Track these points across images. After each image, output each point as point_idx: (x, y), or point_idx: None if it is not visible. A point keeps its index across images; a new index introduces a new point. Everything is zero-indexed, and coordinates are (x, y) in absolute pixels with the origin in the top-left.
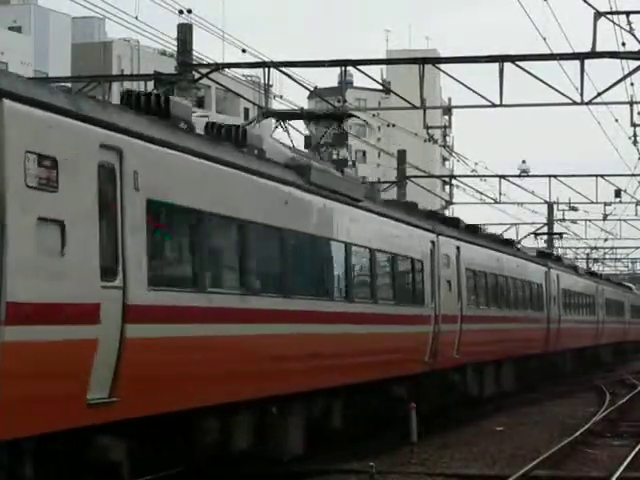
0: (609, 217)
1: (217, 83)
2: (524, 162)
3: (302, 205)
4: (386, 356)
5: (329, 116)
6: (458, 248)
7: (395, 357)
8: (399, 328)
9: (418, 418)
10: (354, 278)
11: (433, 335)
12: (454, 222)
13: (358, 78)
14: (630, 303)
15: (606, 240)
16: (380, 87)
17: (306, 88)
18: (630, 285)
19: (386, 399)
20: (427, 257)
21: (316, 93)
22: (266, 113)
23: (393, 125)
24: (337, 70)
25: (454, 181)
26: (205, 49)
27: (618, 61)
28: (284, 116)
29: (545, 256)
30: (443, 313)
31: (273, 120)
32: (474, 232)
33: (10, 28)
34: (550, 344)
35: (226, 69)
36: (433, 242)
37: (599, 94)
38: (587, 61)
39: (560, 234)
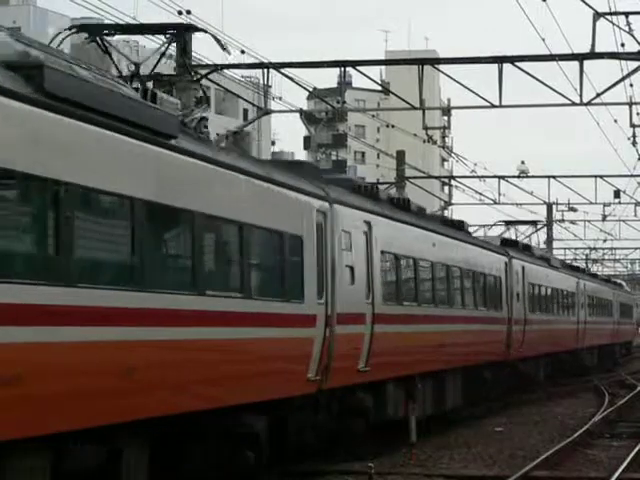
0: (608, 218)
1: (216, 84)
2: (523, 163)
3: None
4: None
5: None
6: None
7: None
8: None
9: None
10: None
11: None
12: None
13: (357, 79)
14: (619, 302)
15: (605, 241)
16: (379, 88)
17: (305, 89)
18: (621, 282)
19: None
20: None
21: (315, 94)
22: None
23: (392, 126)
24: (336, 71)
25: (453, 182)
26: (204, 50)
27: (617, 62)
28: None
29: (509, 244)
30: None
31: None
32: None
33: (9, 29)
34: (513, 349)
35: (225, 70)
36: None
37: (598, 95)
38: (586, 62)
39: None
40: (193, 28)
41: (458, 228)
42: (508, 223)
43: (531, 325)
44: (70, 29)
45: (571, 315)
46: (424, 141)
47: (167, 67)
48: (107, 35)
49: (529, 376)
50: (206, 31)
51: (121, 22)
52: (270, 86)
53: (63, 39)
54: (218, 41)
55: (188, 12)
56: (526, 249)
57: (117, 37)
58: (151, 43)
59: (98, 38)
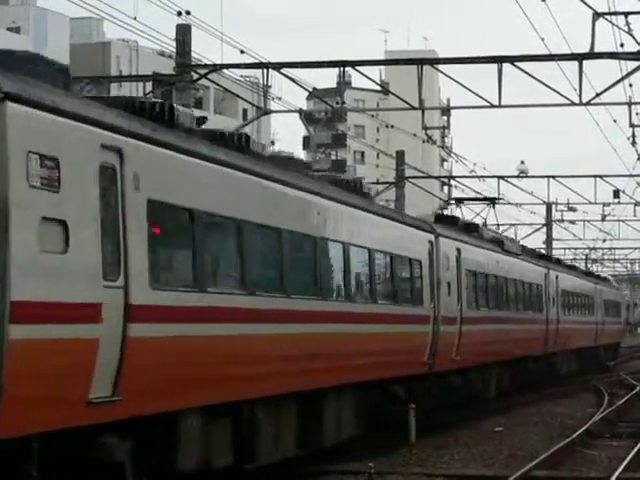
0: (608, 218)
1: (215, 84)
2: (523, 163)
3: None
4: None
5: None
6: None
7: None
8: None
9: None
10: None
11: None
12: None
13: (357, 79)
14: (603, 298)
15: (605, 241)
16: (379, 88)
17: (305, 89)
18: (607, 277)
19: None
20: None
21: (315, 94)
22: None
23: (392, 126)
24: (335, 71)
25: (453, 181)
26: (204, 50)
27: (617, 62)
28: None
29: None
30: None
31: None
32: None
33: (9, 29)
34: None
35: (225, 70)
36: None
37: (597, 95)
38: (585, 62)
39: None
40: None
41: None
42: (459, 201)
43: (469, 325)
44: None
45: (537, 313)
46: (423, 141)
47: (166, 67)
48: None
49: (471, 391)
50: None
51: (121, 22)
52: (270, 86)
53: None
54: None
55: (187, 13)
56: (471, 229)
57: (116, 37)
58: (150, 43)
59: None
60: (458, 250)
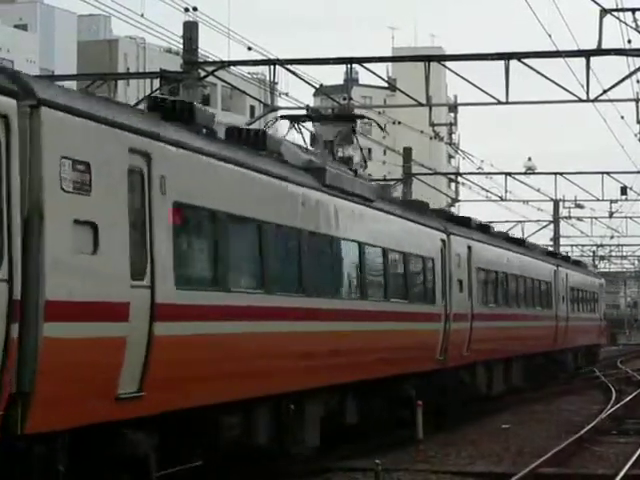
0: (615, 214)
1: (223, 81)
2: (530, 159)
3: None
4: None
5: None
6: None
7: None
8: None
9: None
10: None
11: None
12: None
13: (364, 76)
14: (571, 285)
15: (612, 237)
16: (386, 85)
17: (312, 85)
18: (579, 260)
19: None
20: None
21: (322, 91)
22: (282, 116)
23: (399, 123)
24: (343, 67)
25: (460, 178)
26: (211, 47)
27: (624, 58)
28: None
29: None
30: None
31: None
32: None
33: (16, 26)
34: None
35: (232, 67)
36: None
37: (605, 91)
38: (593, 58)
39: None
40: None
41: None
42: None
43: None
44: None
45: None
46: (431, 138)
47: (174, 64)
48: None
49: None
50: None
51: (128, 19)
52: (277, 83)
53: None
54: None
55: (195, 9)
56: (483, 229)
57: (123, 34)
58: (157, 40)
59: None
60: (469, 248)
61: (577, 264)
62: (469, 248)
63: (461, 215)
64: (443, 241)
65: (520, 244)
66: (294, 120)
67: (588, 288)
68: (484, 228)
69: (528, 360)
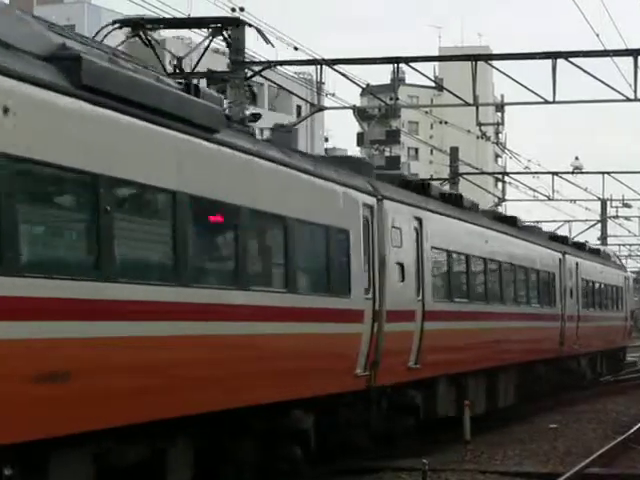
0: None
1: (270, 81)
2: (577, 159)
3: None
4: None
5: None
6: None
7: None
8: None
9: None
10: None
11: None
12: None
13: (410, 75)
14: (584, 277)
15: None
16: (432, 84)
17: (358, 85)
18: (603, 249)
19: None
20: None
21: (368, 90)
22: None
23: (445, 122)
24: (389, 67)
25: (507, 178)
26: (258, 47)
27: None
28: (137, 25)
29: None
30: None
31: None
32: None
33: (64, 26)
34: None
35: (278, 67)
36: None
37: None
38: None
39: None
40: (241, 22)
41: (511, 224)
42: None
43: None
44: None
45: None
46: (478, 137)
47: (221, 64)
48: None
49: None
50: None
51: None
52: (323, 82)
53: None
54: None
55: (241, 9)
56: (452, 199)
57: (169, 33)
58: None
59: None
60: (419, 220)
61: (595, 252)
62: (419, 221)
63: (400, 174)
64: (370, 207)
65: (512, 223)
66: (134, 27)
67: (609, 281)
68: (455, 199)
69: (523, 371)
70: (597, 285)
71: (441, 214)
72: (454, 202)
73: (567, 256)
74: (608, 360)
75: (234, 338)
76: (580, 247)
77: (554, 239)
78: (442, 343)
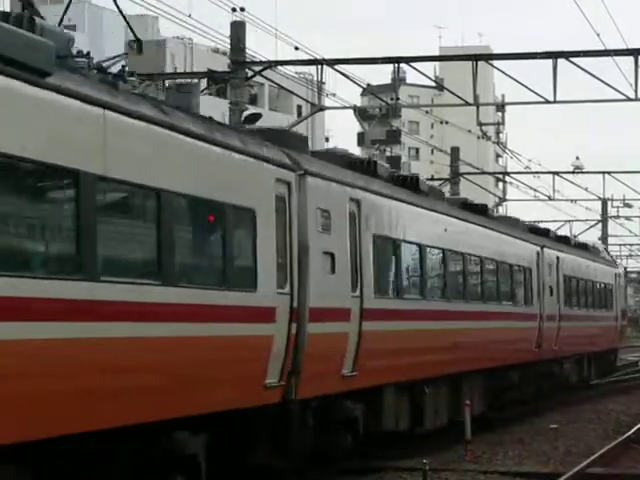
0: None
1: (270, 81)
2: (578, 158)
3: None
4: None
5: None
6: (558, 259)
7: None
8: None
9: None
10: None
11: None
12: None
13: (411, 75)
14: (566, 273)
15: None
16: (433, 84)
17: (359, 85)
18: (592, 244)
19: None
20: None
21: (369, 90)
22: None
23: (446, 122)
24: (390, 67)
25: (507, 178)
26: (258, 47)
27: None
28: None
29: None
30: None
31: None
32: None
33: (64, 27)
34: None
35: (279, 66)
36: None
37: None
38: None
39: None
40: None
41: (481, 213)
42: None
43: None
44: None
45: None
46: (478, 137)
47: (221, 64)
48: None
49: None
50: None
51: (176, 19)
52: (324, 82)
53: None
54: None
55: (242, 9)
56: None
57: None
58: (204, 40)
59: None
60: (356, 203)
61: (581, 247)
62: (357, 203)
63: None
64: (287, 183)
65: (481, 213)
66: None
67: (597, 278)
68: (410, 182)
69: (494, 376)
70: (582, 282)
71: (388, 197)
72: (408, 185)
73: (546, 250)
74: (597, 363)
75: (71, 342)
76: (563, 241)
77: (534, 232)
78: (387, 346)
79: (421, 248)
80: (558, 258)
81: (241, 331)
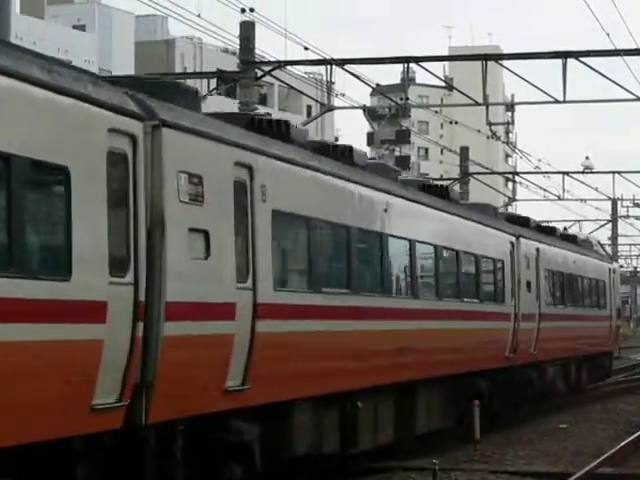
0: None
1: (280, 80)
2: (587, 158)
3: None
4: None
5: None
6: (539, 251)
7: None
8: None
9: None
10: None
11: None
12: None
13: (420, 75)
14: (549, 267)
15: None
16: (443, 84)
17: (368, 85)
18: (586, 237)
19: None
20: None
21: (378, 90)
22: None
23: (456, 122)
24: (399, 67)
25: (517, 178)
26: (267, 47)
27: None
28: None
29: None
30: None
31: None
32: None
33: (74, 27)
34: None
35: (288, 66)
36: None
37: None
38: None
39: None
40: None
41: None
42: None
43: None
44: None
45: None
46: (488, 137)
47: (230, 64)
48: None
49: None
50: None
51: (185, 19)
52: (333, 82)
53: None
54: None
55: (251, 10)
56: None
57: (180, 34)
58: (214, 40)
59: None
60: (248, 169)
61: (569, 239)
62: (248, 170)
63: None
64: (130, 136)
65: (441, 195)
66: None
67: (587, 274)
68: (342, 152)
69: (455, 386)
70: (569, 278)
71: (299, 165)
72: (339, 156)
73: (523, 240)
74: (588, 368)
75: None
76: (547, 231)
77: (511, 220)
78: (297, 353)
79: (349, 230)
80: (538, 250)
81: (44, 335)
